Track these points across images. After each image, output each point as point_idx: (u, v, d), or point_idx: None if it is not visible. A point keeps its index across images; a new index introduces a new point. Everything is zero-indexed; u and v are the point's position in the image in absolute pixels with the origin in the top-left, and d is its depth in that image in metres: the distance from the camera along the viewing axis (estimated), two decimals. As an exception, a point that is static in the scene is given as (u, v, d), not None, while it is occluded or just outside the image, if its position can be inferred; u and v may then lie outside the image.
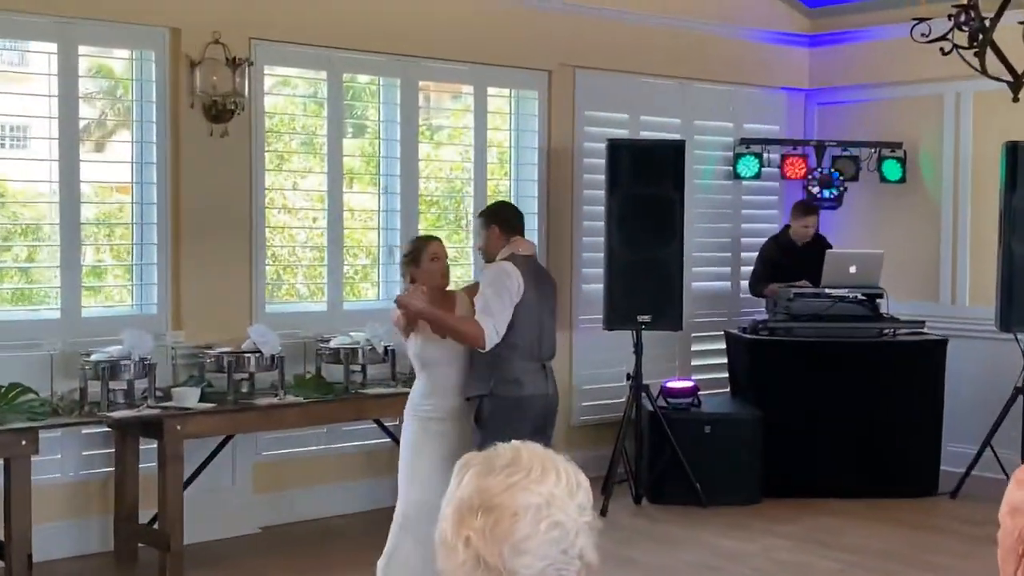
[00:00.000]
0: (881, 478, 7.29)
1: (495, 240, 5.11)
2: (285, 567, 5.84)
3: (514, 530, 1.59)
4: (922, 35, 6.08)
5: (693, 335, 8.34)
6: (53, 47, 5.89)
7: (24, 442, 5.16)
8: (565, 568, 1.62)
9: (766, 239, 8.25)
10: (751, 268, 8.41)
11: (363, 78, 7.13)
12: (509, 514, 1.59)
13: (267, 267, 6.68)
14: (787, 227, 8.04)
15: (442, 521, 1.64)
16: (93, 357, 5.63)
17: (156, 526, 5.74)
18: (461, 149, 7.59)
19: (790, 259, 7.81)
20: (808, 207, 8.04)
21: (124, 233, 6.37)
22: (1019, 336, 7.11)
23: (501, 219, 5.18)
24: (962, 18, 6.17)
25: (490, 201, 7.59)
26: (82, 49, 5.99)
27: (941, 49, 6.05)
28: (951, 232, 8.21)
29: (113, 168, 6.40)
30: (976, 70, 5.94)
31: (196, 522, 5.88)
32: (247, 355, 5.99)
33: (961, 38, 6.09)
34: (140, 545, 5.88)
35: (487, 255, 5.14)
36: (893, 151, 8.35)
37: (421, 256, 4.96)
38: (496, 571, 1.58)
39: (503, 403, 4.86)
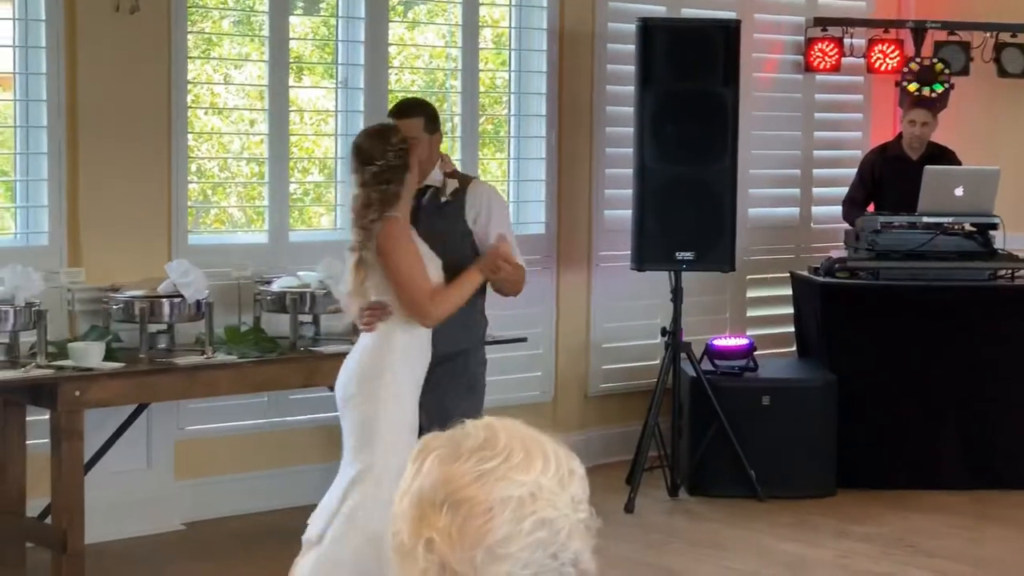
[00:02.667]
0: (991, 465, 7.40)
1: (435, 151, 5.28)
2: (212, 574, 5.97)
3: (489, 530, 1.60)
4: None
5: (749, 278, 8.43)
6: None
7: None
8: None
9: (869, 150, 8.33)
10: (825, 191, 8.50)
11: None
12: (482, 510, 1.60)
13: (190, 185, 6.76)
14: (899, 136, 8.11)
15: (396, 519, 1.66)
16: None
17: (48, 520, 5.84)
18: (445, 31, 7.63)
19: (900, 179, 7.83)
20: (917, 98, 8.08)
21: (4, 140, 6.43)
22: None
23: (437, 120, 5.33)
24: None
25: (485, 101, 7.67)
26: None
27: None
28: (1090, 144, 8.29)
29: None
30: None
31: (100, 515, 5.98)
32: (165, 300, 6.06)
33: None
34: (28, 545, 5.99)
35: (423, 173, 5.16)
36: (1014, 36, 8.40)
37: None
38: None
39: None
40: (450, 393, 4.99)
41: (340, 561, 4.62)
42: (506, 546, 1.61)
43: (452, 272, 4.96)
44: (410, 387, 4.80)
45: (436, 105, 7.85)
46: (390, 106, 7.20)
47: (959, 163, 7.97)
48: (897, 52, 8.52)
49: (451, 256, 4.99)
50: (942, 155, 7.98)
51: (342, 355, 6.41)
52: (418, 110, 5.31)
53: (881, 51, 8.53)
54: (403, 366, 4.77)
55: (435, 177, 5.20)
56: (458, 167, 5.73)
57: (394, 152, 4.78)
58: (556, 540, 1.64)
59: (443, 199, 5.09)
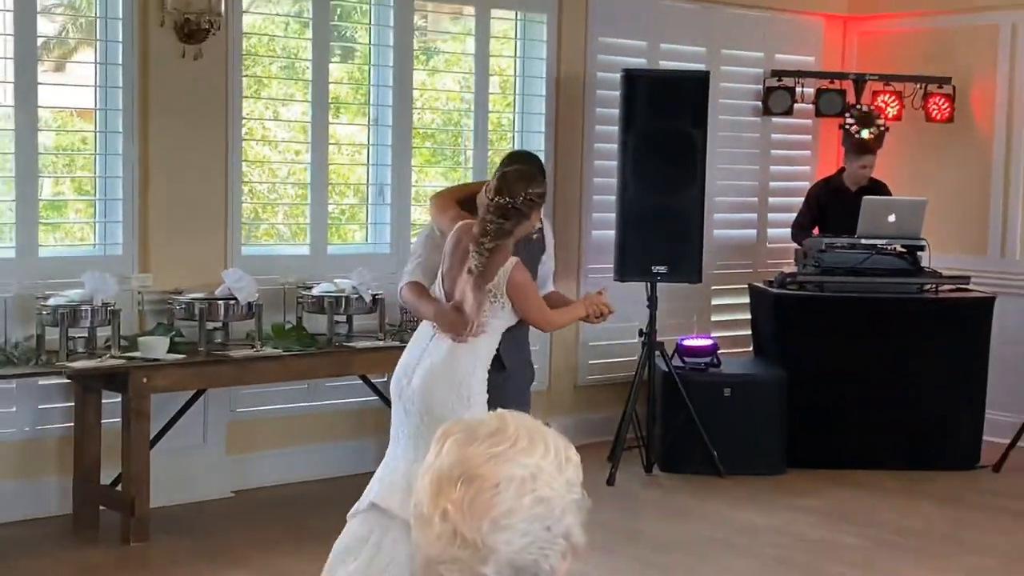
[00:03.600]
0: (917, 449, 7.33)
1: None
2: (258, 535, 5.92)
3: (495, 503, 1.60)
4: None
5: (713, 288, 8.36)
6: (8, -44, 5.91)
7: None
8: (548, 547, 1.63)
9: (815, 182, 8.30)
10: (778, 215, 8.45)
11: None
12: (490, 485, 1.60)
13: (244, 205, 6.71)
14: (841, 170, 8.06)
15: (418, 492, 1.66)
16: (51, 301, 5.66)
17: (119, 488, 5.81)
18: (460, 77, 7.58)
19: (840, 207, 7.78)
20: (864, 145, 8.04)
21: (86, 164, 6.40)
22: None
23: None
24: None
25: (493, 137, 7.62)
26: (40, -41, 6.00)
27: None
28: (1002, 179, 8.21)
29: (74, 92, 6.41)
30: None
31: (163, 484, 5.94)
32: (221, 302, 6.03)
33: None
34: (101, 508, 5.95)
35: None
36: (941, 87, 8.34)
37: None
38: (473, 546, 1.59)
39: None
40: (523, 392, 4.97)
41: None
42: (508, 517, 1.60)
43: None
44: (485, 390, 4.64)
45: (452, 140, 7.89)
46: (414, 140, 7.24)
47: (890, 193, 7.91)
48: (840, 100, 8.47)
49: None
50: (876, 187, 7.92)
51: (371, 350, 6.47)
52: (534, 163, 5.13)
53: (827, 98, 8.46)
54: (484, 372, 4.61)
55: None
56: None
57: (526, 199, 4.56)
58: (551, 515, 1.63)
59: (532, 235, 4.89)
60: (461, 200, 5.01)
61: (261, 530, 5.99)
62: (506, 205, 4.55)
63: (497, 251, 4.56)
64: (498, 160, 7.64)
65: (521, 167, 4.83)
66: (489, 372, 4.67)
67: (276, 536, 5.90)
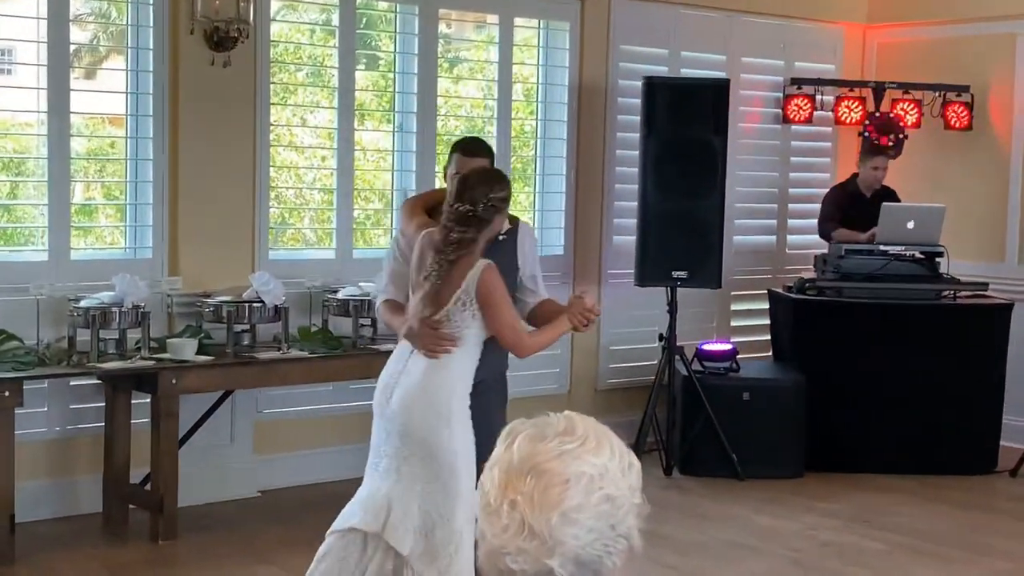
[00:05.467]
0: (935, 454, 7.32)
1: None
2: (283, 534, 5.94)
3: (565, 497, 1.61)
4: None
5: (733, 294, 8.38)
6: (42, -35, 5.96)
7: (7, 393, 5.27)
8: (612, 545, 1.64)
9: (830, 187, 8.27)
10: (797, 222, 8.45)
11: (378, 4, 7.15)
12: (560, 480, 1.61)
13: (271, 210, 6.75)
14: (854, 175, 8.06)
15: (485, 483, 1.67)
16: (83, 303, 5.71)
17: (148, 487, 5.85)
18: (483, 85, 7.61)
19: (857, 212, 7.77)
20: (876, 147, 8.04)
21: (117, 169, 6.44)
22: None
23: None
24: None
25: (516, 144, 7.64)
26: (73, -32, 6.05)
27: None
28: (1020, 186, 8.19)
29: (106, 98, 6.46)
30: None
31: (191, 483, 5.99)
32: (248, 305, 6.06)
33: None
34: (131, 507, 5.99)
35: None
36: (959, 95, 8.33)
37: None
38: (541, 538, 1.60)
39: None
40: (494, 410, 4.53)
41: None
42: (578, 512, 1.62)
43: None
44: (467, 407, 4.36)
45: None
46: (438, 146, 7.27)
47: (899, 200, 7.89)
48: (860, 107, 8.46)
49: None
50: (888, 194, 7.91)
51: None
52: (485, 151, 4.76)
53: (846, 106, 8.47)
54: (465, 388, 4.33)
55: None
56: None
57: (487, 205, 4.25)
58: (617, 514, 1.65)
59: (500, 236, 4.52)
60: (430, 207, 4.70)
61: (287, 529, 6.01)
62: (467, 213, 4.23)
63: (460, 261, 4.25)
64: (521, 167, 7.81)
65: (481, 170, 4.48)
66: None
67: (301, 535, 5.91)
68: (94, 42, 6.60)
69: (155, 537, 5.73)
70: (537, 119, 7.75)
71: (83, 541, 5.80)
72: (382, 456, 4.36)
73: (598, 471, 1.63)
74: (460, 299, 4.26)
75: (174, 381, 5.66)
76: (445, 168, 4.83)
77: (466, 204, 4.23)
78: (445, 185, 4.78)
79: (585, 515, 1.61)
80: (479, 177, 4.36)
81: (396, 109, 7.15)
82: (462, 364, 4.34)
